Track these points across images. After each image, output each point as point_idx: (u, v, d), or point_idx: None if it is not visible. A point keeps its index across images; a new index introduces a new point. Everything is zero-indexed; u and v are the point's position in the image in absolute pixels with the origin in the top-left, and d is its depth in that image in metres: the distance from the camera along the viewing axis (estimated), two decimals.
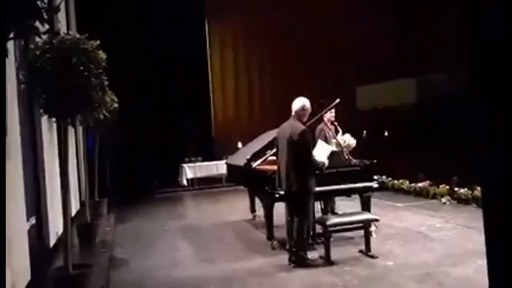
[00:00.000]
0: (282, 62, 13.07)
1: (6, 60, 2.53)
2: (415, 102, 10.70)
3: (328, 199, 6.51)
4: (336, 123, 6.94)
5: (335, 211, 6.76)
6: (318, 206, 6.32)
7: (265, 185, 5.90)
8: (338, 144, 6.41)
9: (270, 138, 6.36)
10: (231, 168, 7.88)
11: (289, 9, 12.67)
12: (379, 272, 4.98)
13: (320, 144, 5.85)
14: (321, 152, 5.55)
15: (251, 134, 8.13)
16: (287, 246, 5.44)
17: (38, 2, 2.34)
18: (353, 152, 6.58)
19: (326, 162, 5.46)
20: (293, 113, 5.41)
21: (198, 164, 12.18)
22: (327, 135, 6.80)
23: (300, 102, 5.40)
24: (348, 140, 6.52)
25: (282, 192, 5.52)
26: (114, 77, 4.48)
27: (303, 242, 5.32)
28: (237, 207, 8.76)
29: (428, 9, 10.50)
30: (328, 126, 6.83)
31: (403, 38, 11.22)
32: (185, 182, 12.05)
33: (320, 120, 6.61)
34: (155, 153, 11.68)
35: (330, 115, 6.83)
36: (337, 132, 6.85)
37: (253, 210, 7.88)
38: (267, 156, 6.46)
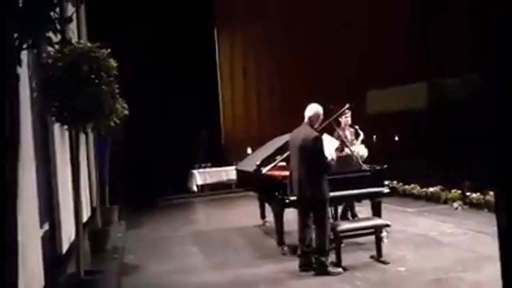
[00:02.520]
0: (292, 69, 13.07)
1: (20, 69, 2.57)
2: (426, 106, 10.64)
3: (346, 204, 6.47)
4: (357, 127, 6.85)
5: (347, 216, 6.72)
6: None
7: (275, 191, 5.89)
8: (352, 151, 6.38)
9: (280, 144, 6.35)
10: (241, 174, 7.89)
11: (298, 15, 12.68)
12: (390, 277, 4.95)
13: (326, 138, 5.76)
14: (329, 146, 5.47)
15: (260, 139, 8.13)
16: (298, 252, 5.42)
17: (52, 13, 2.39)
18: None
19: (334, 155, 5.42)
20: (306, 119, 5.39)
21: (208, 170, 12.19)
22: (345, 140, 6.68)
23: (315, 109, 5.39)
24: (361, 151, 6.47)
25: (292, 198, 5.52)
26: (124, 85, 4.53)
27: (325, 248, 5.21)
28: (247, 213, 8.76)
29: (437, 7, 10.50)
30: (348, 131, 6.72)
31: (415, 40, 11.23)
32: (195, 188, 12.07)
33: (333, 125, 6.53)
34: (165, 159, 11.72)
35: (345, 119, 6.73)
36: (357, 135, 6.75)
37: (263, 216, 7.86)
38: (277, 161, 6.44)
